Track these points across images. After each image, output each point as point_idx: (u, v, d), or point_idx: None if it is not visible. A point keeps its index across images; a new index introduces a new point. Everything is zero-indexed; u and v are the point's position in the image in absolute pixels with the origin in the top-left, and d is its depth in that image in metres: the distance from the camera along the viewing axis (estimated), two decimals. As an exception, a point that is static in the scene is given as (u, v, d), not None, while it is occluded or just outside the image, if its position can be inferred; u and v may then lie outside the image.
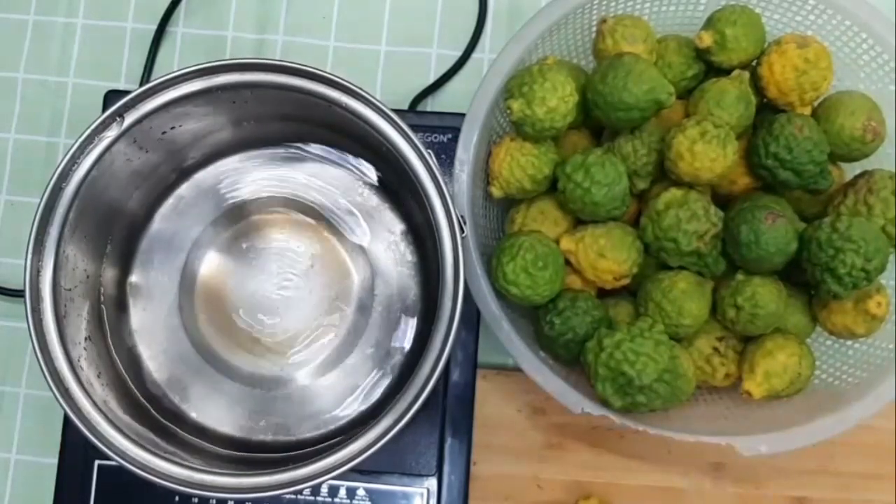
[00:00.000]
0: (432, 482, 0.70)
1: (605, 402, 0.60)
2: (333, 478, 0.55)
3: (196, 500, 0.70)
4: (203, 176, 0.71)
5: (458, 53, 0.81)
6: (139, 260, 0.70)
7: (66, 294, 0.61)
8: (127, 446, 0.57)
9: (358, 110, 0.60)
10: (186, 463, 0.57)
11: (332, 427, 0.67)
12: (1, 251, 0.80)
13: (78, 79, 0.82)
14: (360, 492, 0.70)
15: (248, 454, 0.66)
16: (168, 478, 0.56)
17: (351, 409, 0.68)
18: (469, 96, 0.65)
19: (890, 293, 0.64)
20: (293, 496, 0.70)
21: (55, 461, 0.72)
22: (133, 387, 0.66)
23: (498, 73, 0.65)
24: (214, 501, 0.70)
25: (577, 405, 0.61)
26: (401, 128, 0.60)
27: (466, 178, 0.64)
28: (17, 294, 0.78)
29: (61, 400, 0.57)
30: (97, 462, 0.71)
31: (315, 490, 0.70)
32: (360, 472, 0.70)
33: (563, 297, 0.64)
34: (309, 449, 0.66)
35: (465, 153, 0.64)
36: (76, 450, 0.71)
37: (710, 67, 0.68)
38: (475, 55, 0.81)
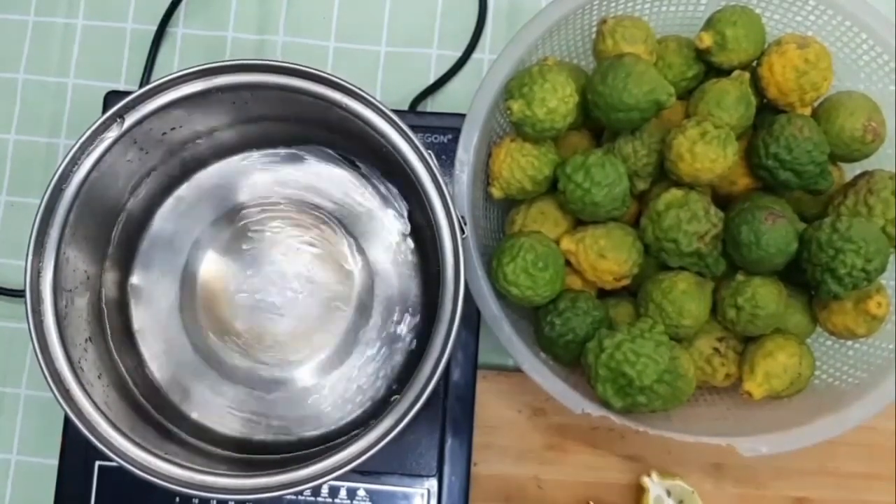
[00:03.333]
0: (433, 483, 0.70)
1: (605, 403, 0.60)
2: (334, 479, 0.55)
3: (197, 501, 0.70)
4: (204, 177, 0.71)
5: (459, 54, 0.81)
6: (140, 261, 0.70)
7: (66, 295, 0.61)
8: (127, 447, 0.57)
9: (358, 111, 0.60)
10: (187, 464, 0.57)
11: (332, 428, 0.67)
12: (1, 252, 0.80)
13: (78, 79, 0.82)
14: (361, 492, 0.70)
15: (248, 455, 0.66)
16: (168, 479, 0.56)
17: (351, 410, 0.68)
18: (469, 97, 0.65)
19: (890, 293, 0.64)
20: (294, 496, 0.70)
21: (56, 462, 0.72)
22: (134, 387, 0.66)
23: (498, 73, 0.65)
24: (215, 502, 0.70)
25: (577, 406, 0.61)
26: (401, 129, 0.60)
27: (467, 178, 0.64)
28: (17, 294, 0.78)
29: (62, 401, 0.57)
30: (98, 463, 0.71)
31: (315, 491, 0.70)
32: (361, 472, 0.70)
33: (564, 297, 0.64)
34: (309, 450, 0.66)
35: (466, 154, 0.64)
36: (77, 451, 0.71)
37: (710, 68, 0.68)
38: (475, 56, 0.81)
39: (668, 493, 0.71)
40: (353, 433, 0.61)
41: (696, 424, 0.64)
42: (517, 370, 0.64)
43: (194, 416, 0.68)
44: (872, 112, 0.65)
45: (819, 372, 0.67)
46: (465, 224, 0.60)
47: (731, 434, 0.61)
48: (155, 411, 0.66)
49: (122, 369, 0.66)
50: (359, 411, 0.68)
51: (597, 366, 0.60)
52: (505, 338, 0.62)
